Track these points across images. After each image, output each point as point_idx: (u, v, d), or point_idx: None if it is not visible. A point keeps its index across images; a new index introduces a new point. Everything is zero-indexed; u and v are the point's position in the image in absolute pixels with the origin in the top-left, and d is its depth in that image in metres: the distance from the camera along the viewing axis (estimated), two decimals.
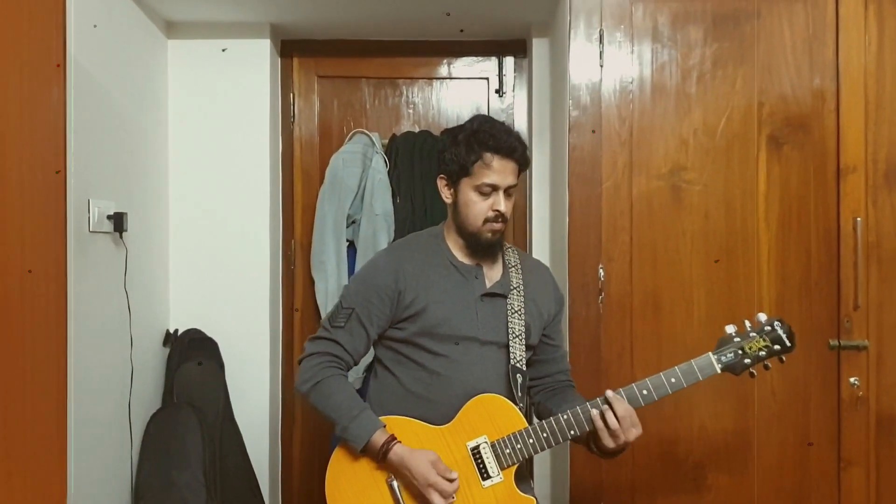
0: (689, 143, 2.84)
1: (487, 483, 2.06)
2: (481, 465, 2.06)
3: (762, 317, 2.14)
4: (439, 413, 2.11)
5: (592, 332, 2.82)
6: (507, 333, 2.18)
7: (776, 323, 2.13)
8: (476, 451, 2.07)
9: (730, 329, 2.13)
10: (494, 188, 2.12)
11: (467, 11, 3.28)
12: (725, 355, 2.10)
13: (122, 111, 3.01)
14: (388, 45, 3.66)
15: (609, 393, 2.05)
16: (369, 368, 3.33)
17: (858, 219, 2.77)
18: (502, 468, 2.06)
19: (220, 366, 3.37)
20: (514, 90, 3.69)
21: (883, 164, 2.79)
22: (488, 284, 2.21)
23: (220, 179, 3.44)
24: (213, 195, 3.44)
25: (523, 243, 3.54)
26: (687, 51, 2.84)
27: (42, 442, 1.88)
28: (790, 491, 2.82)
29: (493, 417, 2.08)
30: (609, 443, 2.03)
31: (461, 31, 3.51)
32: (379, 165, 3.51)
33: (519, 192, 3.57)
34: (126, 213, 2.90)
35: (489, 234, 2.15)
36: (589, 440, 2.12)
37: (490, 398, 2.10)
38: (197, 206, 3.44)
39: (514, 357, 2.16)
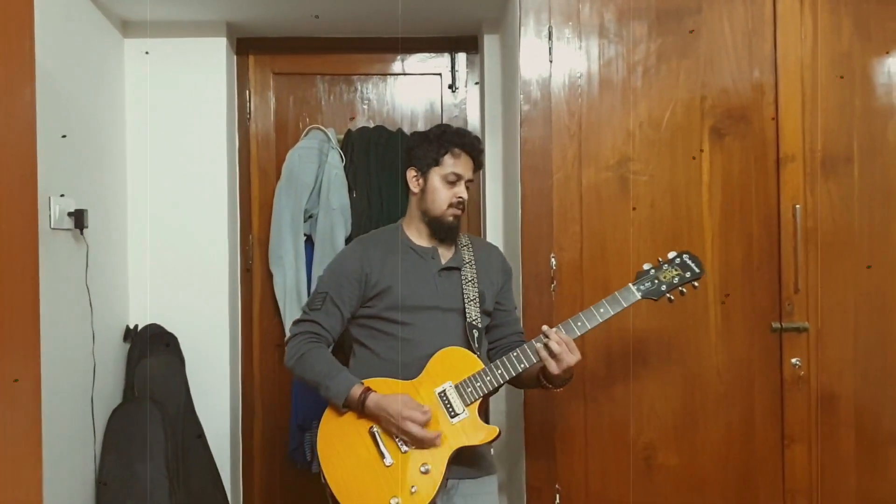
0: (635, 136, 2.92)
1: (455, 420, 2.33)
2: (448, 405, 2.34)
3: (672, 253, 2.46)
4: (412, 373, 2.39)
5: (545, 319, 2.86)
6: (463, 299, 2.49)
7: (685, 255, 2.46)
8: (443, 394, 2.35)
9: (646, 266, 2.45)
10: (459, 177, 2.51)
11: (420, 8, 3.33)
12: (643, 284, 2.42)
13: (81, 109, 3.03)
14: (342, 41, 3.70)
15: (545, 327, 2.35)
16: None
17: (797, 206, 2.88)
18: (466, 404, 2.34)
19: (181, 360, 3.40)
20: (466, 85, 3.75)
21: (820, 152, 2.90)
22: (444, 262, 2.53)
23: (178, 176, 3.47)
24: (171, 192, 3.47)
25: (478, 234, 3.60)
26: (632, 46, 2.93)
27: (21, 438, 1.91)
28: (736, 468, 2.92)
29: (454, 365, 2.38)
30: (554, 368, 2.31)
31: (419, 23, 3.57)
32: (335, 161, 3.55)
33: (474, 185, 3.69)
34: (86, 210, 2.91)
35: (451, 218, 2.51)
36: (539, 376, 2.43)
37: (452, 349, 2.41)
38: (155, 203, 3.46)
39: (470, 316, 2.48)
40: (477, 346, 2.43)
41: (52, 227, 2.73)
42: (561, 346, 2.31)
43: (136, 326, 3.41)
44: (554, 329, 2.35)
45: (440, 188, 2.51)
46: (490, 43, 3.53)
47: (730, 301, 2.91)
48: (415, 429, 2.25)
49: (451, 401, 2.35)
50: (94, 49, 3.19)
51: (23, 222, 1.88)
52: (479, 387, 2.35)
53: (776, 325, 2.89)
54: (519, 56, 2.93)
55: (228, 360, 3.50)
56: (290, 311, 3.54)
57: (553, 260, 2.91)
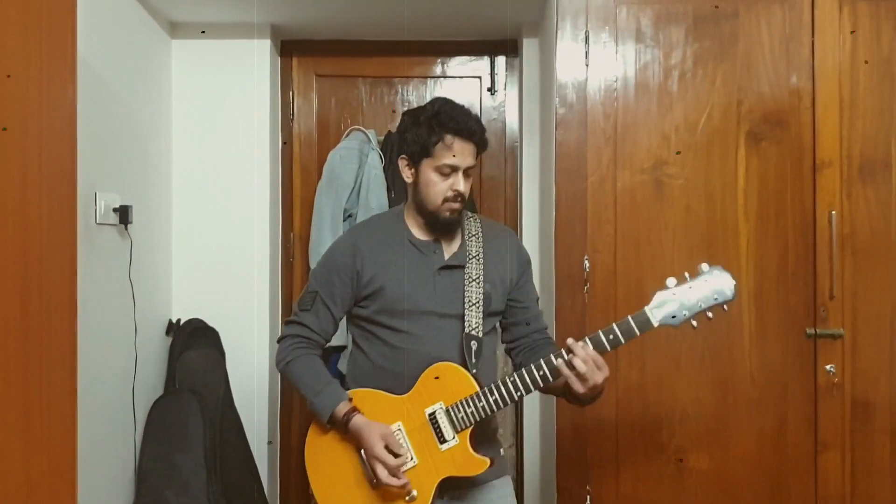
0: (671, 139, 2.91)
1: (444, 446, 2.13)
2: (438, 430, 2.13)
3: (703, 267, 2.08)
4: (404, 384, 2.19)
5: (578, 322, 2.89)
6: (464, 303, 2.23)
7: (716, 272, 2.07)
8: (433, 417, 2.14)
9: (669, 282, 2.08)
10: (454, 169, 2.18)
11: (460, 12, 3.36)
12: (662, 309, 2.08)
13: (128, 108, 3.11)
14: (384, 45, 3.75)
15: (570, 340, 2.08)
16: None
17: (833, 212, 2.85)
18: (457, 431, 2.12)
19: (221, 354, 3.47)
20: (505, 88, 3.79)
21: (857, 158, 2.87)
22: (446, 257, 2.27)
23: (222, 174, 3.54)
24: (215, 189, 3.54)
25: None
26: (669, 50, 2.93)
27: (54, 427, 1.93)
28: (769, 474, 2.89)
29: (447, 384, 2.15)
30: (579, 387, 2.05)
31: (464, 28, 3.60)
32: (375, 161, 3.59)
33: (511, 187, 3.74)
34: (131, 206, 2.99)
35: (448, 213, 2.21)
36: (565, 390, 2.15)
37: (444, 366, 2.17)
38: (199, 200, 3.54)
39: (469, 325, 2.21)
40: (474, 360, 2.18)
41: (97, 222, 2.81)
42: (588, 363, 2.04)
43: (179, 320, 3.48)
44: (580, 343, 2.08)
45: (433, 181, 2.20)
46: (529, 46, 3.56)
47: (764, 306, 2.88)
48: (381, 472, 2.09)
49: (441, 425, 2.14)
50: (142, 50, 3.27)
51: (63, 218, 1.93)
52: (472, 413, 2.11)
53: (811, 330, 2.86)
54: (555, 60, 2.94)
55: (268, 355, 3.56)
56: None
57: (587, 262, 2.91)
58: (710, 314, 2.09)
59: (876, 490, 2.87)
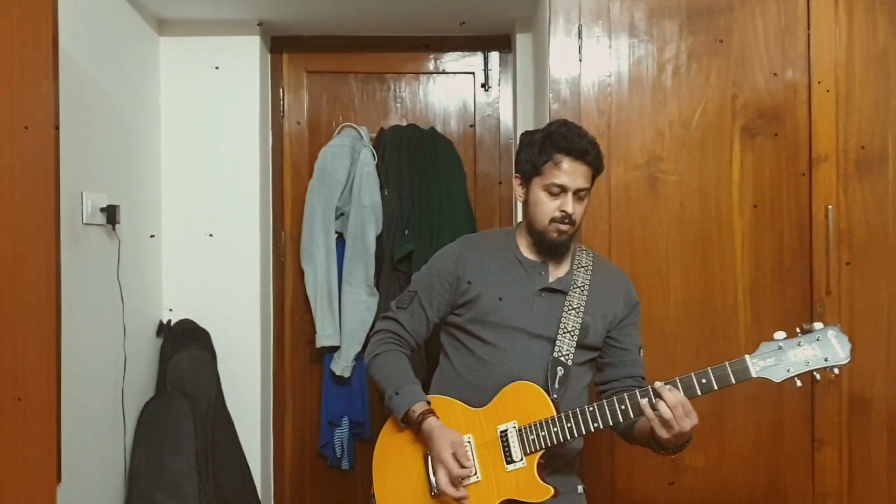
0: (665, 135, 2.89)
1: (511, 467, 2.10)
2: (507, 449, 2.11)
3: (816, 325, 2.01)
4: (483, 398, 2.18)
5: None
6: (559, 328, 2.21)
7: (832, 331, 1.99)
8: (504, 435, 2.12)
9: (778, 335, 2.02)
10: (563, 189, 2.17)
11: (453, 7, 3.34)
12: (764, 360, 2.01)
13: (115, 106, 3.07)
14: (376, 40, 3.72)
15: (658, 384, 2.02)
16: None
17: (830, 206, 2.83)
18: (526, 454, 2.10)
19: (213, 355, 3.43)
20: (499, 84, 3.76)
21: (853, 153, 2.85)
22: (551, 280, 2.26)
23: (211, 173, 3.51)
24: (204, 188, 3.51)
25: None
26: (662, 45, 2.90)
27: (33, 431, 1.91)
28: (765, 470, 2.87)
29: (524, 404, 2.13)
30: (663, 434, 2.00)
31: (461, 23, 3.58)
32: (367, 158, 3.56)
33: (506, 184, 3.68)
34: (119, 206, 2.95)
35: (555, 234, 2.21)
36: (650, 437, 2.11)
37: (524, 385, 2.15)
38: (188, 200, 3.51)
39: (560, 350, 2.19)
40: (558, 385, 2.15)
41: (84, 222, 2.78)
42: (676, 409, 1.98)
43: (169, 321, 3.45)
44: (668, 385, 2.01)
45: (542, 200, 2.19)
46: (522, 42, 3.53)
47: (760, 302, 2.87)
48: (442, 479, 2.07)
49: (511, 445, 2.11)
50: (129, 47, 3.23)
51: (42, 218, 1.90)
52: (544, 437, 2.08)
53: (807, 327, 2.80)
54: (549, 55, 2.92)
55: (259, 356, 3.53)
56: (321, 308, 3.56)
57: None
58: (817, 376, 2.02)
59: (873, 486, 2.85)
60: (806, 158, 2.87)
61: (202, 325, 3.47)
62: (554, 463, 2.20)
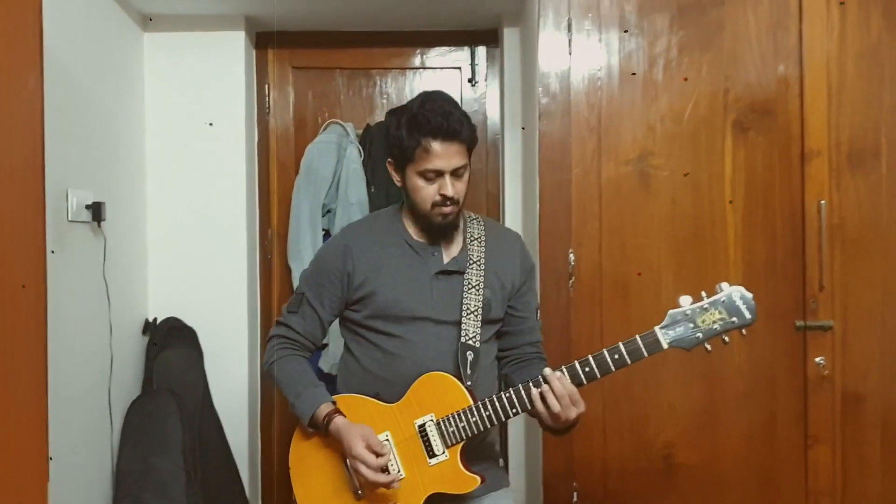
0: (656, 130, 2.88)
1: (433, 461, 2.04)
2: (427, 443, 2.04)
3: (722, 286, 1.95)
4: (395, 392, 2.10)
5: (563, 317, 2.86)
6: (461, 310, 2.13)
7: (735, 293, 1.94)
8: (423, 429, 2.05)
9: (684, 301, 1.95)
10: (438, 173, 2.06)
11: (439, 1, 3.31)
12: (674, 329, 1.96)
13: (100, 103, 3.03)
14: (361, 35, 3.68)
15: (547, 371, 1.97)
16: None
17: (823, 201, 2.81)
18: (447, 446, 2.03)
19: (199, 353, 3.41)
20: (486, 79, 3.72)
21: (846, 147, 2.83)
22: (446, 261, 2.17)
23: (197, 170, 3.47)
24: (190, 186, 3.47)
25: None
26: (653, 38, 2.88)
27: (22, 430, 1.88)
28: (758, 468, 2.86)
29: (439, 396, 2.05)
30: (548, 420, 1.98)
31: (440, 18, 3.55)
32: (353, 155, 3.53)
33: (493, 180, 3.67)
34: (104, 203, 2.91)
35: (439, 218, 2.10)
36: (537, 416, 2.05)
37: (437, 376, 2.07)
38: (174, 197, 3.47)
39: (466, 334, 2.11)
40: (470, 371, 2.07)
41: (69, 219, 2.73)
42: (563, 399, 1.94)
43: (155, 319, 3.42)
44: (557, 373, 1.96)
45: (419, 186, 2.08)
46: (510, 36, 3.49)
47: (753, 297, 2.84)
48: (365, 472, 1.98)
49: (431, 439, 2.03)
50: (114, 43, 3.19)
51: (29, 216, 1.86)
52: (463, 428, 2.01)
53: (800, 323, 2.83)
54: (538, 49, 2.89)
55: (247, 354, 3.50)
56: None
57: (571, 256, 2.87)
58: (726, 338, 1.97)
59: (867, 484, 2.84)
60: (798, 153, 2.85)
61: (189, 322, 3.43)
62: (476, 449, 2.13)
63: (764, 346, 2.85)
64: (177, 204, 3.47)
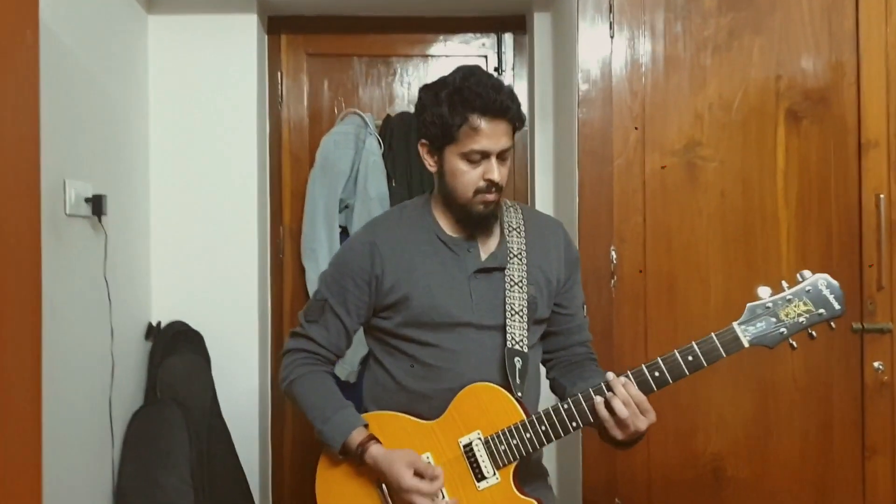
0: (704, 118, 2.74)
1: (483, 485, 1.84)
2: (475, 465, 1.85)
3: (804, 274, 1.80)
4: (435, 408, 1.91)
5: (604, 318, 2.72)
6: (505, 312, 1.93)
7: (821, 281, 1.78)
8: (469, 449, 1.85)
9: (762, 292, 1.78)
10: (485, 155, 1.85)
11: None
12: (754, 325, 1.77)
13: (101, 88, 2.84)
14: (381, 21, 3.51)
15: (611, 376, 1.79)
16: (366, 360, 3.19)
17: (881, 195, 2.68)
18: (498, 468, 1.84)
19: (207, 360, 3.22)
20: (513, 68, 3.56)
21: None
22: (483, 257, 1.96)
23: (205, 163, 3.29)
24: (198, 179, 3.29)
25: None
26: (701, 21, 2.74)
27: (14, 442, 1.72)
28: (813, 481, 2.74)
29: (485, 409, 1.86)
30: (617, 433, 1.79)
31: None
32: (373, 147, 3.36)
33: (520, 176, 3.53)
34: (105, 196, 2.71)
35: (481, 207, 1.90)
36: (600, 428, 1.86)
37: (482, 387, 1.87)
38: (180, 191, 3.29)
39: (513, 338, 1.91)
40: (519, 380, 1.87)
41: (67, 213, 2.53)
42: (629, 407, 1.76)
43: (160, 323, 3.24)
44: (622, 379, 1.79)
45: (461, 171, 1.87)
46: (540, 22, 3.32)
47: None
48: (422, 502, 1.80)
49: (479, 459, 1.84)
50: (117, 26, 2.99)
51: (22, 206, 1.69)
52: (516, 446, 1.83)
53: (857, 325, 2.69)
54: (577, 33, 2.74)
55: (258, 361, 3.31)
56: None
57: (613, 254, 2.74)
58: (813, 333, 1.80)
59: None
60: (855, 144, 2.72)
61: (195, 327, 3.25)
62: (527, 468, 1.94)
63: (818, 351, 2.71)
64: (183, 199, 3.29)
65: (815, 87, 2.73)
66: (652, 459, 2.74)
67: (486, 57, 3.56)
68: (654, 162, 2.73)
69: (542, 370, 2.11)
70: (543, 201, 3.31)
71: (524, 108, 3.40)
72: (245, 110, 3.31)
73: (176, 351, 3.16)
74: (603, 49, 2.73)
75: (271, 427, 3.50)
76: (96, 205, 2.68)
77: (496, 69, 3.53)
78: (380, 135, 3.41)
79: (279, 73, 3.54)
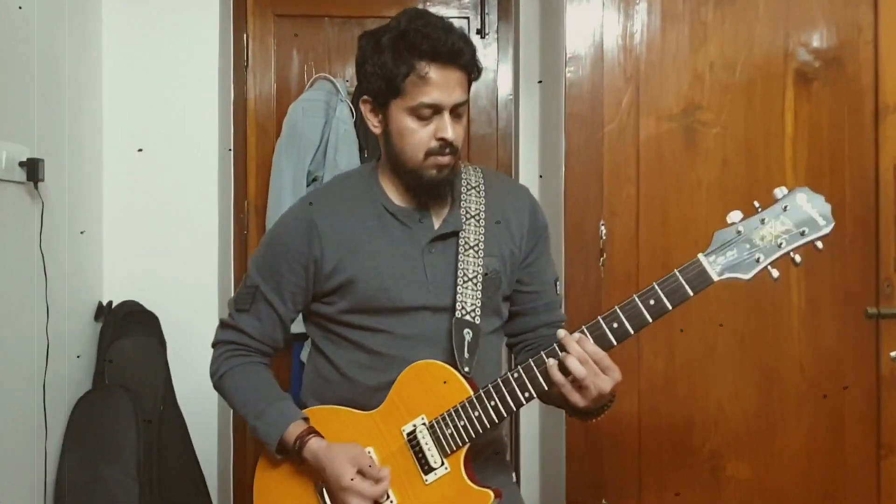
0: (704, 79, 2.59)
1: (430, 477, 1.65)
2: (420, 455, 1.67)
3: (780, 192, 1.58)
4: (381, 402, 1.75)
5: (592, 301, 2.57)
6: (456, 277, 1.74)
7: (800, 196, 1.55)
8: (412, 438, 1.67)
9: (733, 216, 1.58)
10: (436, 109, 1.65)
11: None
12: (724, 254, 1.56)
13: (45, 46, 2.66)
14: None
15: (562, 333, 1.58)
16: None
17: None
18: (446, 455, 1.65)
19: (161, 344, 3.07)
20: (497, 31, 3.43)
21: None
22: (437, 225, 1.78)
23: (162, 131, 3.13)
24: (155, 149, 3.12)
25: None
26: None
27: None
28: (822, 482, 2.59)
29: (429, 390, 1.67)
30: (577, 399, 1.58)
31: None
32: (344, 115, 3.22)
33: (504, 147, 3.38)
34: (43, 160, 2.53)
35: (434, 172, 1.70)
36: (560, 399, 1.66)
37: (424, 365, 1.68)
38: (136, 162, 3.12)
39: (463, 307, 1.71)
40: (468, 354, 1.69)
41: None
42: (587, 365, 1.55)
43: (110, 303, 3.07)
44: (576, 335, 1.57)
45: (410, 129, 1.67)
46: None
47: (816, 281, 2.55)
48: None
49: (425, 448, 1.66)
50: None
51: None
52: (464, 427, 1.63)
53: (872, 310, 2.51)
54: None
55: None
56: None
57: (603, 228, 2.59)
58: (797, 257, 1.57)
59: None
60: (871, 109, 2.54)
61: (150, 307, 3.09)
62: (483, 453, 1.77)
63: (829, 338, 2.56)
64: (138, 170, 3.12)
65: (828, 46, 2.57)
66: (643, 457, 2.61)
67: (468, 19, 3.44)
68: (650, 127, 2.57)
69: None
70: (528, 175, 3.19)
71: (509, 75, 3.28)
72: (207, 76, 3.16)
73: (127, 333, 3.01)
74: (593, 4, 2.57)
75: (233, 417, 3.37)
76: (32, 169, 2.49)
77: (479, 32, 3.41)
78: (352, 102, 3.26)
79: (245, 36, 3.42)
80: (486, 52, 3.42)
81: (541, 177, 3.11)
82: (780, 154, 2.56)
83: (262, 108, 3.45)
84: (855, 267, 2.54)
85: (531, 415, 3.15)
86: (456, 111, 1.67)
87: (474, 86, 1.73)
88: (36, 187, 2.53)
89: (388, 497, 1.65)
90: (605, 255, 2.57)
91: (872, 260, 2.53)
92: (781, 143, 2.56)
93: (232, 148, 3.31)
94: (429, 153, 1.67)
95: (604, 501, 2.59)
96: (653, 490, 2.60)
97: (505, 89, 3.43)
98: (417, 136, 1.66)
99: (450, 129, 1.65)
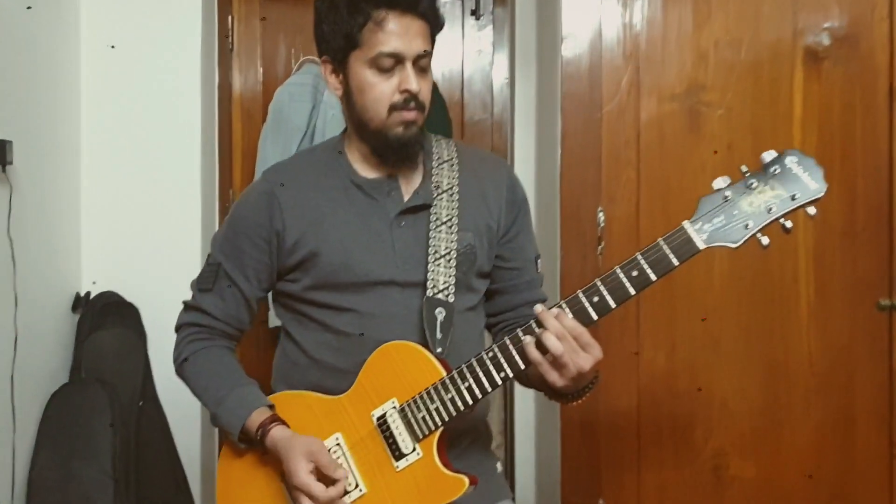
0: (708, 58, 2.52)
1: (402, 464, 1.57)
2: (391, 441, 1.58)
3: (768, 155, 1.47)
4: (350, 383, 1.67)
5: None
6: (427, 255, 1.67)
7: (790, 158, 1.45)
8: (383, 422, 1.58)
9: (719, 182, 1.49)
10: (397, 58, 1.57)
11: None
12: (710, 221, 1.47)
13: (18, 24, 2.60)
14: None
15: (539, 309, 1.48)
16: None
17: None
18: (418, 440, 1.56)
19: (141, 336, 3.03)
20: (492, 12, 3.40)
21: None
22: (406, 197, 1.70)
23: (144, 116, 3.09)
24: (136, 135, 3.09)
25: None
26: None
27: None
28: (830, 483, 2.52)
29: (399, 372, 1.59)
30: (555, 378, 1.48)
31: None
32: (332, 100, 3.14)
33: (499, 133, 3.31)
34: (11, 142, 2.48)
35: (400, 129, 1.61)
36: (539, 381, 1.58)
37: (395, 346, 1.60)
38: (116, 147, 3.08)
39: (435, 286, 1.64)
40: (441, 334, 1.64)
41: None
42: (565, 341, 1.46)
43: (88, 294, 3.03)
44: (554, 310, 1.48)
45: (370, 83, 1.59)
46: None
47: (827, 271, 2.48)
48: None
49: (396, 433, 1.58)
50: None
51: None
52: (437, 410, 1.55)
53: (885, 301, 2.45)
54: None
55: None
56: None
57: (601, 215, 2.53)
58: (787, 223, 1.46)
59: None
60: (886, 90, 2.46)
61: (129, 298, 3.06)
62: (460, 440, 1.69)
63: (840, 331, 2.49)
64: (119, 156, 3.08)
65: (840, 23, 2.48)
66: (643, 455, 2.56)
67: (461, 0, 3.39)
68: (651, 108, 2.51)
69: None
70: (524, 160, 3.15)
71: (504, 58, 3.20)
72: (190, 59, 3.13)
73: (105, 325, 2.98)
74: None
75: None
76: None
77: (473, 13, 3.38)
78: None
79: (230, 18, 3.40)
80: (481, 34, 3.39)
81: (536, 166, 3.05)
82: (789, 137, 2.49)
83: (247, 92, 3.42)
84: (867, 256, 2.48)
85: (526, 413, 3.12)
86: (419, 63, 1.60)
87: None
88: (3, 170, 2.47)
89: (356, 486, 1.57)
90: (603, 244, 2.52)
91: (885, 249, 2.47)
92: (790, 126, 2.49)
93: (216, 134, 3.26)
94: (393, 107, 1.59)
95: (601, 502, 2.54)
96: (653, 490, 2.55)
97: (500, 73, 3.39)
98: (379, 90, 1.59)
99: (413, 81, 1.58)
